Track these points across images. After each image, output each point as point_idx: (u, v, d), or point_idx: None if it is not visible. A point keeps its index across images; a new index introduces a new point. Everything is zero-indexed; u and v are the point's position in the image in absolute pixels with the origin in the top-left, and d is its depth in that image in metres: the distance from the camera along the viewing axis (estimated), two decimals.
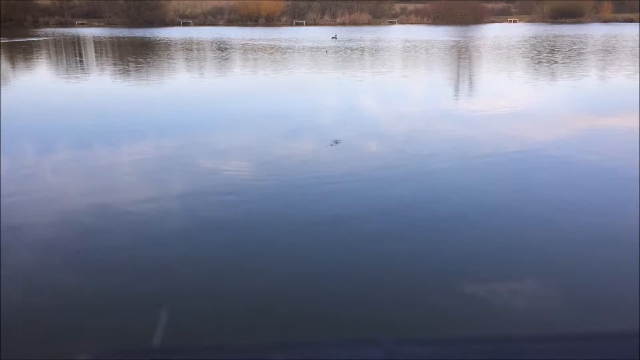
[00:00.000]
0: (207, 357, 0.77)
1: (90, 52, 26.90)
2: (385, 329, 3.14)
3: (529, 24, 64.35)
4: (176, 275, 3.82)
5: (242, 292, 3.58)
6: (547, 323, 3.19)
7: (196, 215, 4.94)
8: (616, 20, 65.65)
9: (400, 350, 0.74)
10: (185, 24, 67.03)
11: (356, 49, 27.03)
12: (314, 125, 9.11)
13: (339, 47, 27.64)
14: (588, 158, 6.81)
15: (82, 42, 34.24)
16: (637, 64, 17.97)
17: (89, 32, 46.35)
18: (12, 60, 22.35)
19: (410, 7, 75.68)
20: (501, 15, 74.42)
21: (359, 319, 3.26)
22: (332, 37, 36.73)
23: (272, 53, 24.58)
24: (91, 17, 67.43)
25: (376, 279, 3.74)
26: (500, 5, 77.59)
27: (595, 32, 42.14)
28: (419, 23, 68.78)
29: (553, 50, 24.46)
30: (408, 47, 28.12)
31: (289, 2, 72.67)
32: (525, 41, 31.26)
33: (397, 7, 76.63)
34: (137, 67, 19.13)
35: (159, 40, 35.69)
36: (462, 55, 22.87)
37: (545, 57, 21.29)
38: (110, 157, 7.07)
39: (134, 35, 41.81)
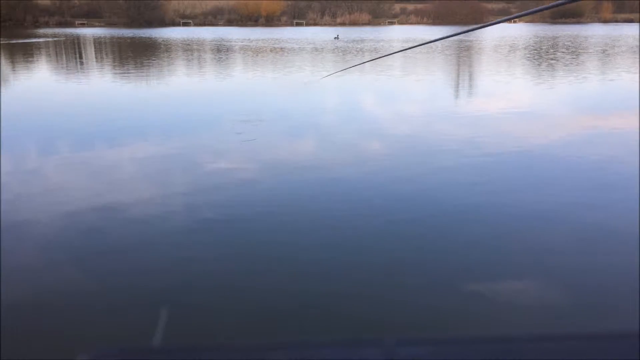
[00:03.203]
0: (207, 357, 0.77)
1: (90, 52, 26.90)
2: (385, 329, 3.14)
3: (529, 24, 64.37)
4: (176, 275, 3.82)
5: (242, 292, 3.58)
6: (547, 323, 3.19)
7: (197, 215, 4.94)
8: (616, 21, 65.65)
9: (400, 350, 0.74)
10: (185, 24, 67.04)
11: (367, 50, 27.03)
12: (319, 126, 9.12)
13: (346, 49, 27.63)
14: (589, 158, 6.81)
15: (82, 42, 34.24)
16: (638, 64, 17.98)
17: (89, 33, 46.35)
18: (13, 61, 22.34)
19: (410, 7, 75.71)
20: (501, 16, 74.41)
21: (359, 319, 3.26)
22: (335, 37, 36.65)
23: (281, 53, 24.57)
24: (91, 17, 67.44)
25: (377, 279, 3.74)
26: (500, 5, 77.61)
27: (596, 32, 42.15)
28: (419, 23, 68.82)
29: (556, 50, 24.47)
30: (423, 47, 28.10)
31: (289, 2, 72.68)
32: (529, 41, 31.26)
33: (397, 7, 76.66)
34: (137, 67, 19.13)
35: (159, 40, 35.70)
36: (474, 56, 22.78)
37: (548, 57, 21.29)
38: (112, 157, 7.07)
39: (134, 35, 41.82)
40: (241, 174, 6.26)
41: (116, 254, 4.16)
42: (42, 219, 4.84)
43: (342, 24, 67.41)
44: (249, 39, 36.44)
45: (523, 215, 4.90)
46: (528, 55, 22.14)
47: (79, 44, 32.84)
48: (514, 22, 70.14)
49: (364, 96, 12.47)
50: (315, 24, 68.18)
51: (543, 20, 67.62)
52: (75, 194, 5.56)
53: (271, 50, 26.77)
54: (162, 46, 30.04)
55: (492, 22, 1.21)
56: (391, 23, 70.37)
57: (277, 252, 4.18)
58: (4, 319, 3.22)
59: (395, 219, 4.82)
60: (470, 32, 47.13)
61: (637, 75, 15.13)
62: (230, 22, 69.21)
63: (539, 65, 18.68)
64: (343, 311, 3.34)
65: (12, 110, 10.45)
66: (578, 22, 63.96)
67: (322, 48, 27.88)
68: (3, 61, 21.55)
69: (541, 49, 25.40)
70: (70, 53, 26.64)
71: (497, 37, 36.82)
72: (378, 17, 72.08)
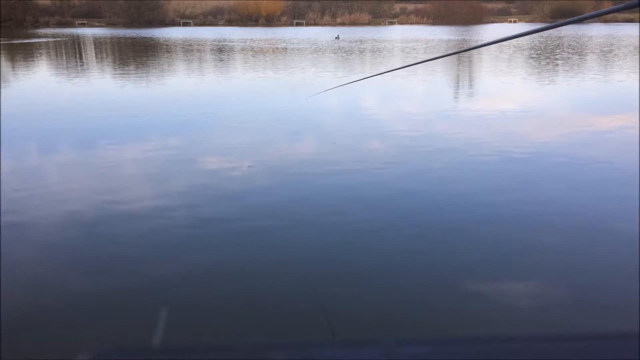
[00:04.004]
0: (207, 357, 0.76)
1: (90, 52, 26.89)
2: (386, 329, 3.14)
3: (529, 24, 64.32)
4: (176, 275, 3.82)
5: (242, 292, 3.58)
6: (547, 323, 3.19)
7: (197, 215, 4.94)
8: (617, 21, 65.60)
9: (400, 350, 0.74)
10: (185, 24, 67.04)
11: (369, 50, 27.01)
12: (317, 126, 9.11)
13: (349, 49, 27.61)
14: (589, 158, 6.81)
15: (82, 42, 34.23)
16: (637, 64, 17.98)
17: (89, 33, 46.35)
18: (13, 61, 22.34)
19: (410, 7, 75.69)
20: (501, 15, 74.42)
21: (359, 319, 3.26)
22: (335, 38, 36.64)
23: (284, 54, 24.54)
24: (91, 17, 67.43)
25: (377, 279, 3.74)
26: (500, 5, 77.58)
27: (599, 32, 42.12)
28: (419, 23, 68.79)
29: (562, 50, 24.45)
30: (425, 47, 28.09)
31: (289, 2, 72.67)
32: (533, 41, 31.24)
33: (397, 7, 76.63)
34: (138, 68, 19.13)
35: (160, 40, 35.69)
36: (480, 56, 22.63)
37: (554, 57, 21.28)
38: (112, 157, 7.06)
39: (134, 35, 41.82)
40: (241, 173, 6.25)
41: (116, 254, 4.16)
42: (42, 219, 4.84)
43: (342, 24, 67.39)
44: (251, 39, 36.43)
45: (523, 215, 4.89)
46: (534, 56, 22.06)
47: (79, 44, 32.83)
48: (514, 21, 70.12)
49: (369, 96, 12.45)
50: (315, 24, 68.17)
51: (543, 20, 67.58)
52: (76, 194, 5.56)
53: (274, 51, 26.77)
54: (162, 46, 30.04)
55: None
56: (391, 23, 70.34)
57: (277, 252, 4.18)
58: (4, 319, 3.22)
59: (395, 218, 4.82)
60: (472, 32, 46.32)
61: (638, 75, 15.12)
62: (230, 22, 69.20)
63: (545, 65, 18.63)
64: (343, 311, 3.34)
65: (12, 110, 10.44)
66: (578, 22, 63.76)
67: (324, 48, 27.86)
68: (3, 61, 21.55)
69: (546, 49, 25.33)
70: (71, 53, 26.63)
71: (501, 36, 36.72)
72: (378, 17, 72.07)
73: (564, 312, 3.35)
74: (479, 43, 29.56)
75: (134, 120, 9.64)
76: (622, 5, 1.02)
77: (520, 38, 32.77)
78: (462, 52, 2.41)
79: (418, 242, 4.35)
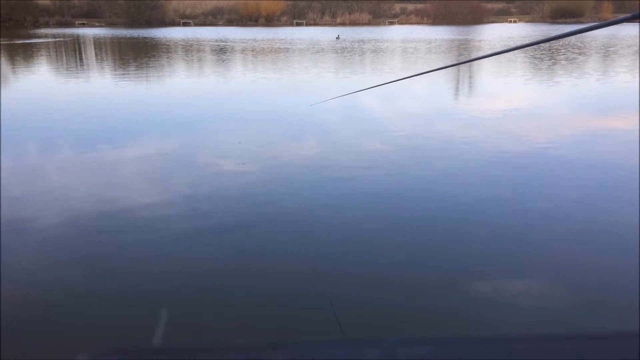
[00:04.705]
0: (207, 357, 0.76)
1: (90, 52, 26.89)
2: (386, 329, 3.14)
3: (529, 24, 64.32)
4: (177, 275, 3.82)
5: (242, 292, 3.58)
6: (548, 323, 3.19)
7: (198, 215, 4.94)
8: None
9: (400, 350, 0.74)
10: (185, 24, 67.05)
11: (370, 50, 27.01)
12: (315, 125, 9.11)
13: (352, 49, 27.61)
14: (590, 158, 6.81)
15: (82, 42, 34.22)
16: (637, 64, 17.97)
17: (89, 33, 46.34)
18: (13, 61, 22.33)
19: (410, 7, 75.67)
20: (501, 15, 74.38)
21: (359, 319, 3.25)
22: (336, 38, 36.65)
23: (286, 54, 24.52)
24: (91, 17, 67.43)
25: (377, 278, 3.74)
26: (500, 5, 77.54)
27: (601, 32, 42.06)
28: (419, 23, 68.78)
29: (567, 50, 24.45)
30: (427, 47, 28.08)
31: (289, 2, 72.67)
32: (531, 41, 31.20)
33: (397, 7, 76.62)
34: (138, 68, 19.13)
35: (160, 40, 35.68)
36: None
37: (560, 57, 21.27)
38: (113, 157, 7.06)
39: (134, 35, 41.81)
40: (241, 173, 6.25)
41: (116, 254, 4.15)
42: (42, 219, 4.84)
43: (342, 24, 67.39)
44: (251, 39, 36.42)
45: (524, 215, 4.89)
46: (538, 57, 22.02)
47: (79, 44, 32.82)
48: (514, 21, 70.10)
49: (371, 97, 12.45)
50: (315, 24, 68.17)
51: (543, 20, 67.56)
52: (76, 194, 5.56)
53: (275, 51, 26.77)
54: (163, 46, 30.03)
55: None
56: (391, 23, 70.32)
57: (277, 252, 4.18)
58: (4, 319, 3.22)
59: (396, 218, 4.82)
60: (472, 32, 46.18)
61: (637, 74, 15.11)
62: (230, 22, 69.20)
63: (550, 65, 18.60)
64: (344, 311, 3.33)
65: (12, 110, 10.43)
66: (578, 22, 63.85)
67: (326, 49, 27.85)
68: (3, 61, 21.54)
69: (550, 49, 25.28)
70: (71, 53, 26.63)
71: (505, 36, 36.77)
72: (378, 17, 72.06)
73: (564, 312, 3.35)
74: (481, 43, 29.63)
75: (134, 120, 9.63)
76: (629, 15, 1.05)
77: (525, 38, 32.75)
78: (472, 60, 2.42)
79: (419, 243, 4.34)
